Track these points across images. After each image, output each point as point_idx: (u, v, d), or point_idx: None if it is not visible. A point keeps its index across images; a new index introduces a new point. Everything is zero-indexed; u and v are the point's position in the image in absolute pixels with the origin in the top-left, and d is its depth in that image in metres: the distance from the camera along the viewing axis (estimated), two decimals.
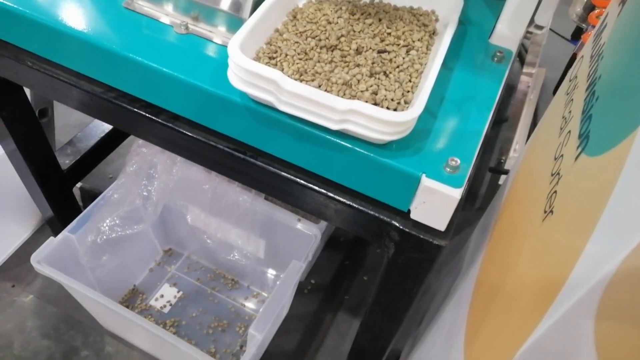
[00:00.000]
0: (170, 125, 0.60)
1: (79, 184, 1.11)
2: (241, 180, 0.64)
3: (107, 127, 1.09)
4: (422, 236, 0.53)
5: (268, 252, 0.98)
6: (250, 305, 1.06)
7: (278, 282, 0.80)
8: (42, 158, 0.93)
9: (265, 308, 0.77)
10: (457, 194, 0.48)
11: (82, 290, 0.80)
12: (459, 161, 0.49)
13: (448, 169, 0.49)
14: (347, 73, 0.51)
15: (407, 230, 0.53)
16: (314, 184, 0.56)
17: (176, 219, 1.02)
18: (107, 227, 0.81)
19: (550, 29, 1.64)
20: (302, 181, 0.56)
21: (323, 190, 0.56)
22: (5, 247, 1.10)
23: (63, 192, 1.01)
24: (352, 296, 1.11)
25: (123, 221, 0.83)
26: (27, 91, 0.86)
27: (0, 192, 1.04)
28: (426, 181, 0.48)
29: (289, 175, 0.57)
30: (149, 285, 1.07)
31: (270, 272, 1.06)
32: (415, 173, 0.49)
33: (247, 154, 0.58)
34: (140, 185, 0.82)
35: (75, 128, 1.35)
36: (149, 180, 0.82)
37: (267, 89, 0.48)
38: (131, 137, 1.18)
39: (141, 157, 0.80)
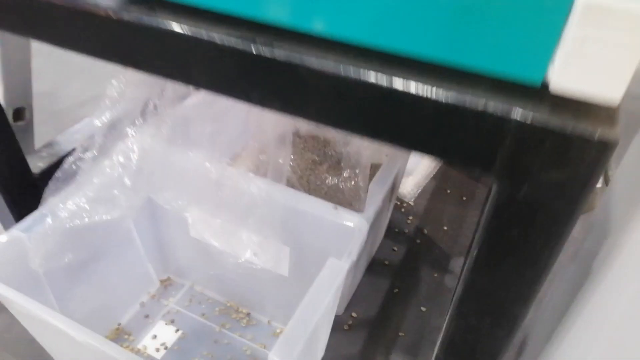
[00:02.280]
0: (149, 22, 0.40)
1: None
2: (252, 99, 0.42)
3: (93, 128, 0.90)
4: (570, 131, 0.29)
5: (294, 267, 0.73)
6: (272, 346, 0.79)
7: (312, 286, 0.55)
8: (8, 164, 0.75)
9: (293, 323, 0.52)
10: None
11: (43, 314, 0.56)
12: None
13: None
14: None
15: (540, 125, 0.30)
16: (368, 68, 0.34)
17: (173, 231, 0.80)
18: (67, 214, 0.58)
19: None
20: (346, 71, 0.34)
21: (383, 84, 0.34)
22: None
23: (32, 200, 0.80)
24: (407, 333, 0.83)
25: (93, 204, 0.60)
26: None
27: None
28: None
29: (326, 69, 0.35)
30: (138, 323, 0.82)
31: (298, 300, 0.80)
32: None
33: (256, 40, 0.37)
34: (114, 143, 0.59)
35: None
36: (125, 139, 0.59)
37: None
38: None
39: (113, 101, 0.59)
